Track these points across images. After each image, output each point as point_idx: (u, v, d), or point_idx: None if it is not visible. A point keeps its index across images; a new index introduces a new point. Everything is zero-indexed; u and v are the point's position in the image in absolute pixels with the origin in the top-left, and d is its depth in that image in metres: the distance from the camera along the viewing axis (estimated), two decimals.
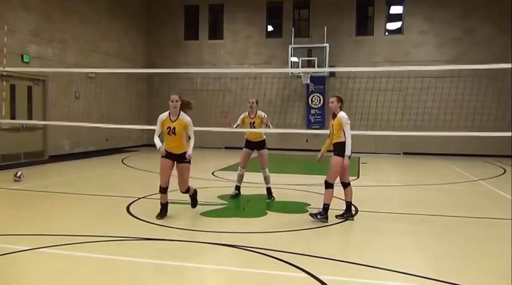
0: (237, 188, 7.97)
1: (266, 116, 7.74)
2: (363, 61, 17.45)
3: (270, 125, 7.81)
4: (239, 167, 7.95)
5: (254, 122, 7.77)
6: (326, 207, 6.22)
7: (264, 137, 7.89)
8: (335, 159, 6.21)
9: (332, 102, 6.34)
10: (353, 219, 6.37)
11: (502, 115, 14.96)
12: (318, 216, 6.20)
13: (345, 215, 6.39)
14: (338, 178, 6.36)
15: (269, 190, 7.88)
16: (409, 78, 15.81)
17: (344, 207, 6.46)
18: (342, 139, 6.18)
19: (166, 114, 6.19)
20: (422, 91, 16.66)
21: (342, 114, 6.24)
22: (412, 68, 11.64)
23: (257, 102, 7.88)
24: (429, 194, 8.95)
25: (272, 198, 7.78)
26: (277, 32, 19.08)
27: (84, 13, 15.53)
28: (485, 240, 5.60)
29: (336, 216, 6.38)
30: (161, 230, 5.68)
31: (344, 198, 6.53)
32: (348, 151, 6.15)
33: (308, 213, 6.44)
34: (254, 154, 7.96)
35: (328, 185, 6.25)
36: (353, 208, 7.15)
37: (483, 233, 5.93)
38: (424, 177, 11.50)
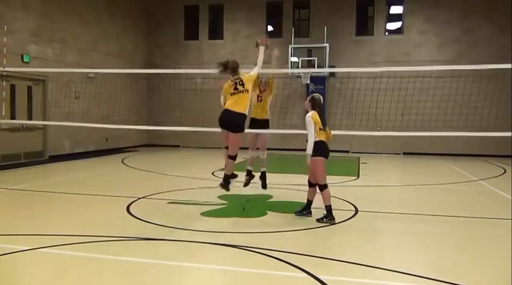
0: (249, 172, 7.45)
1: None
2: (363, 61, 17.44)
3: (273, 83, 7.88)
4: (249, 150, 7.52)
5: (261, 99, 7.60)
6: (328, 208, 6.20)
7: (269, 116, 7.53)
8: (314, 160, 6.21)
9: (306, 100, 6.46)
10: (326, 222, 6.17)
11: (502, 115, 14.94)
12: (325, 219, 6.17)
13: (324, 219, 6.20)
14: (324, 177, 6.27)
15: (263, 174, 7.50)
16: (409, 78, 15.78)
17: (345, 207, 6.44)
18: (316, 138, 6.17)
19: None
20: (422, 91, 16.65)
21: (308, 114, 6.26)
22: (412, 68, 11.60)
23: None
24: (429, 194, 8.95)
25: (266, 188, 7.51)
26: (277, 32, 19.04)
27: (84, 13, 15.52)
28: (485, 240, 5.60)
29: (317, 220, 6.24)
30: (161, 230, 5.68)
31: (309, 198, 6.49)
32: (309, 150, 6.14)
33: (315, 219, 6.31)
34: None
35: (321, 187, 6.24)
36: (352, 208, 7.15)
37: (483, 233, 5.93)
38: (424, 177, 11.50)
